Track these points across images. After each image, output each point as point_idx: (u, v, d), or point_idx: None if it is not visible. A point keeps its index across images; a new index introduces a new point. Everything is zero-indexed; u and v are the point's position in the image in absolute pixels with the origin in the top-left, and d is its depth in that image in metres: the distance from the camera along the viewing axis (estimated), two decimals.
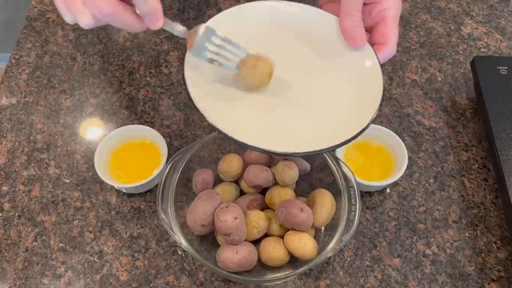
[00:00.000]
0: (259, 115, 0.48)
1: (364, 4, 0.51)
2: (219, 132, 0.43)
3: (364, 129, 0.44)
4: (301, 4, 0.53)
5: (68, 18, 0.49)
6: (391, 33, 0.51)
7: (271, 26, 0.52)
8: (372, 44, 0.51)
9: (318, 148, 0.43)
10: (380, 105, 0.46)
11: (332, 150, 0.45)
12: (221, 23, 0.49)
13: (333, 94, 0.49)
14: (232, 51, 0.48)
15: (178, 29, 0.47)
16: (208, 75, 0.49)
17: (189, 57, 0.47)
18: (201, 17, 0.83)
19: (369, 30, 0.52)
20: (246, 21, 0.51)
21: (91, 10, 0.45)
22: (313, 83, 0.50)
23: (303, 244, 0.55)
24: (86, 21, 0.47)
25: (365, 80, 0.49)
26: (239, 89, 0.49)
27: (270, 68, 0.48)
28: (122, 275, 0.59)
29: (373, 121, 0.45)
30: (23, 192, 0.65)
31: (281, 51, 0.51)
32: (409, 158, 0.67)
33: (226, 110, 0.47)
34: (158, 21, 0.46)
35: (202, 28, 0.47)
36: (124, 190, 0.64)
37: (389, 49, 0.51)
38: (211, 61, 0.48)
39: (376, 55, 0.49)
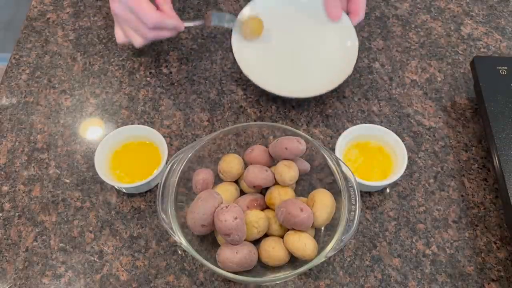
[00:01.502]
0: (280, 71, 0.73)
1: None
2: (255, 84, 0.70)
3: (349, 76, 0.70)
4: None
5: (120, 40, 0.73)
6: (360, 3, 0.73)
7: (280, 5, 0.75)
8: (349, 11, 0.73)
9: (325, 91, 0.69)
10: (357, 58, 0.71)
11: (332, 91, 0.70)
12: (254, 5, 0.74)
13: (326, 53, 0.74)
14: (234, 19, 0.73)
15: (196, 22, 0.74)
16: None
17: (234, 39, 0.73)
18: (201, 17, 0.83)
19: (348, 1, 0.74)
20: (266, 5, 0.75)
21: (142, 29, 0.68)
22: (313, 46, 0.75)
23: (303, 244, 0.55)
24: (138, 42, 0.70)
25: (346, 42, 0.73)
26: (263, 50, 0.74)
27: (258, 24, 0.73)
28: (122, 275, 0.59)
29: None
30: (23, 192, 0.65)
31: (291, 22, 0.75)
32: (409, 158, 0.67)
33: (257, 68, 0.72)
34: (181, 27, 0.71)
35: (213, 12, 0.74)
36: (124, 190, 0.64)
37: (360, 16, 0.73)
38: (223, 25, 0.73)
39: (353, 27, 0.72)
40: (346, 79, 0.70)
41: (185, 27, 0.72)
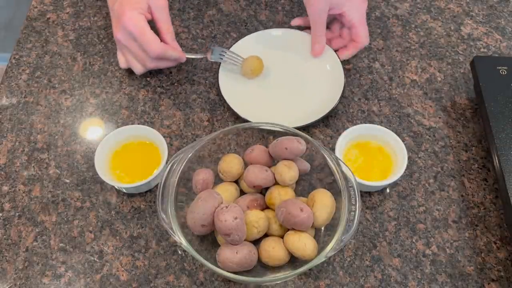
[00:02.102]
0: (265, 104, 0.73)
1: (333, 15, 0.75)
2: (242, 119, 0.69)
3: (333, 108, 0.70)
4: (282, 29, 0.79)
5: (123, 65, 0.74)
6: (360, 33, 0.74)
7: (268, 45, 0.78)
8: (351, 40, 0.75)
9: (311, 121, 0.68)
10: (343, 90, 0.71)
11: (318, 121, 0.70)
12: (240, 44, 0.77)
13: (313, 86, 0.74)
14: (235, 56, 0.75)
15: (197, 55, 0.75)
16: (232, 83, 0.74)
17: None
18: (201, 17, 0.83)
19: (348, 29, 0.76)
20: (252, 44, 0.77)
21: (144, 59, 0.70)
22: (300, 79, 0.75)
23: (303, 244, 0.55)
24: (138, 70, 0.72)
25: (333, 74, 0.74)
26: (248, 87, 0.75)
27: (258, 62, 0.74)
28: (122, 275, 0.59)
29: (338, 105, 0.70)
30: (24, 192, 0.65)
31: (277, 60, 0.77)
32: (409, 158, 0.67)
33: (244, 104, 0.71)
34: (183, 59, 0.72)
35: (214, 47, 0.76)
36: (124, 190, 0.64)
37: (361, 44, 0.74)
38: (224, 61, 0.75)
39: (338, 57, 0.75)
40: (335, 106, 0.69)
41: (186, 58, 0.73)
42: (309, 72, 0.76)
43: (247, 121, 0.68)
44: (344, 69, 0.73)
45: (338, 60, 0.74)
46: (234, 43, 0.76)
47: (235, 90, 0.73)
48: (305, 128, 0.70)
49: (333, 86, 0.72)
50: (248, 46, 0.76)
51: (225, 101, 0.71)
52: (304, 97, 0.73)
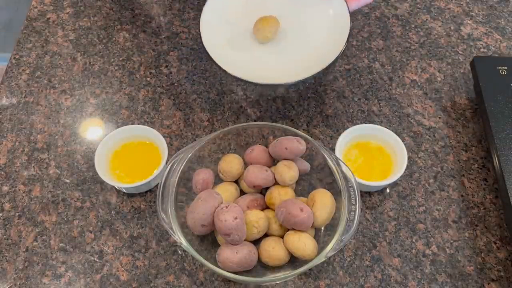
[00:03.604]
0: (265, 60, 0.67)
1: None
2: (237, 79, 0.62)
3: (339, 55, 0.62)
4: None
5: None
6: None
7: None
8: None
9: (313, 72, 0.62)
10: (348, 40, 0.64)
11: (323, 72, 0.63)
12: None
13: (316, 36, 0.68)
14: None
15: None
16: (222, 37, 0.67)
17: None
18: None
19: None
20: None
21: None
22: (302, 29, 0.69)
23: (303, 244, 0.55)
24: None
25: (338, 23, 0.66)
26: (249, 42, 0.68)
27: (272, 29, 0.67)
28: (122, 275, 0.59)
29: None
30: (24, 192, 0.65)
31: (275, 4, 0.69)
32: (409, 158, 0.67)
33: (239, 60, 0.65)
34: None
35: None
36: (124, 190, 0.64)
37: None
38: None
39: (347, 3, 0.66)
40: (339, 55, 0.63)
41: None
42: (311, 19, 0.69)
43: (238, 78, 0.61)
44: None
45: (346, 5, 0.65)
46: None
47: (221, 45, 0.65)
48: (305, 128, 0.70)
49: (336, 36, 0.65)
50: None
51: (214, 61, 0.62)
52: (307, 46, 0.67)
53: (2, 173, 0.67)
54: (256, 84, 0.62)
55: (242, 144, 0.64)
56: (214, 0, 0.67)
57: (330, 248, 0.53)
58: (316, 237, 0.58)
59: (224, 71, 0.62)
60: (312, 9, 0.68)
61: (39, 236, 0.62)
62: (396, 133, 0.66)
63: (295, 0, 0.69)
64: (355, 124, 0.69)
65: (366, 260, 0.60)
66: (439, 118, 0.72)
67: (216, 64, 0.62)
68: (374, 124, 0.69)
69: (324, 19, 0.68)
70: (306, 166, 0.62)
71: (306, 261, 0.54)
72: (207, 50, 0.63)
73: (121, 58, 0.78)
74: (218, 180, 0.62)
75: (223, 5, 0.67)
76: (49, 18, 0.83)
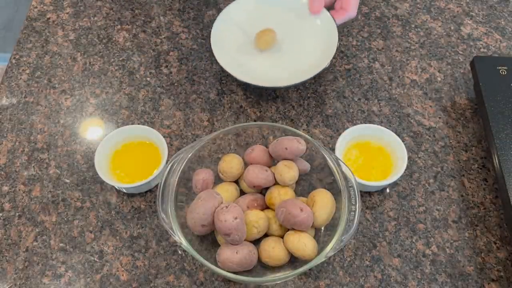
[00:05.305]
0: (264, 66, 0.74)
1: None
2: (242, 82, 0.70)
3: (328, 64, 0.70)
4: None
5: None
6: (351, 2, 0.73)
7: (265, 6, 0.78)
8: (340, 8, 0.74)
9: (308, 77, 0.69)
10: (336, 51, 0.70)
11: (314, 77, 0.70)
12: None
13: (309, 47, 0.75)
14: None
15: None
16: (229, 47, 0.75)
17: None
18: (201, 17, 0.83)
19: None
20: (248, 5, 0.78)
21: None
22: (296, 41, 0.76)
23: (303, 244, 0.55)
24: None
25: (327, 36, 0.73)
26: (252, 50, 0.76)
27: (271, 38, 0.74)
28: (122, 275, 0.59)
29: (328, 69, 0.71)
30: (24, 192, 0.65)
31: (274, 20, 0.77)
32: (409, 158, 0.67)
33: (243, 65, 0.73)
34: None
35: None
36: (124, 190, 0.64)
37: (350, 13, 0.73)
38: None
39: (334, 19, 0.73)
40: (329, 64, 0.70)
41: None
42: (302, 30, 0.76)
43: (243, 82, 0.69)
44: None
45: (333, 21, 0.74)
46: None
47: (228, 52, 0.73)
48: (305, 128, 0.70)
49: (327, 42, 0.73)
50: (240, 7, 0.77)
51: (222, 68, 0.70)
52: (299, 54, 0.74)
53: (2, 173, 0.67)
54: (255, 86, 0.69)
55: (242, 144, 0.64)
56: (224, 15, 0.75)
57: (330, 248, 0.53)
58: (316, 237, 0.58)
59: (230, 75, 0.70)
60: (305, 22, 0.76)
61: (39, 236, 0.62)
62: (396, 133, 0.66)
63: (290, 15, 0.77)
64: (355, 124, 0.69)
65: (366, 260, 0.60)
66: (439, 118, 0.72)
67: (222, 68, 0.70)
68: (374, 124, 0.69)
69: (315, 30, 0.75)
70: (306, 166, 0.62)
71: (306, 261, 0.54)
72: (215, 57, 0.71)
73: (121, 58, 0.78)
74: (218, 180, 0.62)
75: (231, 19, 0.76)
76: (49, 18, 0.83)
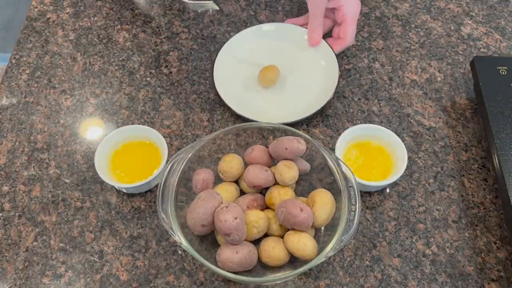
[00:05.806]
0: (266, 102, 0.74)
1: (331, 8, 0.74)
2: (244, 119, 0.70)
3: (330, 100, 0.71)
4: (275, 23, 0.79)
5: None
6: (349, 31, 0.74)
7: (266, 40, 0.78)
8: (338, 37, 0.76)
9: (308, 114, 0.69)
10: (338, 85, 0.71)
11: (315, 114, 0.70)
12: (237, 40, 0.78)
13: (310, 81, 0.75)
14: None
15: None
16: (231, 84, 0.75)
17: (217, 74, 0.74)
18: (201, 17, 0.83)
19: (339, 26, 0.76)
20: (248, 39, 0.78)
21: None
22: (297, 75, 0.76)
23: (303, 244, 0.55)
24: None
25: (328, 68, 0.75)
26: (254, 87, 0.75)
27: (274, 76, 0.74)
28: (122, 275, 0.59)
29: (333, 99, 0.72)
30: (24, 192, 0.65)
31: (275, 55, 0.77)
32: (409, 158, 0.67)
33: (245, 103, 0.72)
34: None
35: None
36: (124, 190, 0.64)
37: (348, 41, 0.75)
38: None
39: (332, 49, 0.75)
40: (330, 100, 0.70)
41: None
42: (304, 67, 0.76)
43: (243, 117, 0.69)
44: (339, 63, 0.73)
45: (333, 53, 0.74)
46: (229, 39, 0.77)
47: (229, 87, 0.73)
48: (305, 128, 0.70)
49: (328, 80, 0.73)
50: (242, 41, 0.77)
51: (221, 99, 0.71)
52: (299, 92, 0.74)
53: (2, 173, 0.67)
54: (257, 121, 0.68)
55: (242, 144, 0.64)
56: (225, 50, 0.75)
57: (330, 248, 0.53)
58: (316, 237, 0.58)
59: (233, 111, 0.70)
60: (307, 59, 0.76)
61: (39, 236, 0.62)
62: (396, 133, 0.66)
63: (292, 52, 0.77)
64: (355, 124, 0.69)
65: (366, 260, 0.60)
66: (439, 118, 0.72)
67: (227, 105, 0.71)
68: (374, 124, 0.69)
69: (316, 67, 0.75)
70: (306, 166, 0.62)
71: (306, 261, 0.54)
72: (220, 95, 0.71)
73: (121, 58, 0.78)
74: (218, 180, 0.62)
75: (232, 56, 0.76)
76: (49, 18, 0.83)
